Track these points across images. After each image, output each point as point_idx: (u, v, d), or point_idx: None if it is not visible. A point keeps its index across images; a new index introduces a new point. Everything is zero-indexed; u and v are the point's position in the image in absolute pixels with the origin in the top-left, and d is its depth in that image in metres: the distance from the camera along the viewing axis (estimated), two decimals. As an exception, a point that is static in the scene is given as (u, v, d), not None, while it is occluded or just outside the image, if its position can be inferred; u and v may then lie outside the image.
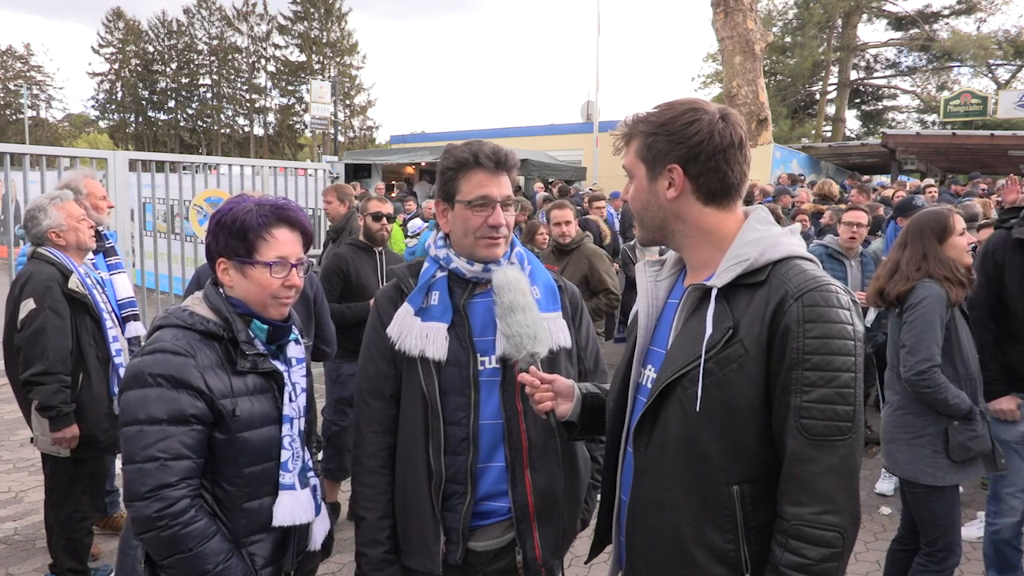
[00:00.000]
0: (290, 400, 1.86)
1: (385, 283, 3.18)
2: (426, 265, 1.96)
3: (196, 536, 1.67)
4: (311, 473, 1.96)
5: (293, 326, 1.96)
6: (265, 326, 1.84)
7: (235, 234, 1.80)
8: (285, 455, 1.83)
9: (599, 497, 1.72)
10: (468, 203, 1.85)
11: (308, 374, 2.01)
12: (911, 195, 7.65)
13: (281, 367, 1.88)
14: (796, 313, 1.31)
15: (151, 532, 1.66)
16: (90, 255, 3.57)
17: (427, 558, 1.88)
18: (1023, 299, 3.32)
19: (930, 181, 12.17)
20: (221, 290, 1.86)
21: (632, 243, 6.51)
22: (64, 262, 3.29)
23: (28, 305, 3.17)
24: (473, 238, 1.87)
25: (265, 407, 1.82)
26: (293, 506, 1.83)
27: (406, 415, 1.92)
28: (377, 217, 4.30)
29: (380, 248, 4.40)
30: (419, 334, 1.86)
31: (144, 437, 1.67)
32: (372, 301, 4.06)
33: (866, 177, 17.25)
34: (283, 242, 1.82)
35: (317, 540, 1.96)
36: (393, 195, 13.19)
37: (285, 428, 1.84)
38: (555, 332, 1.92)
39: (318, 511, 1.95)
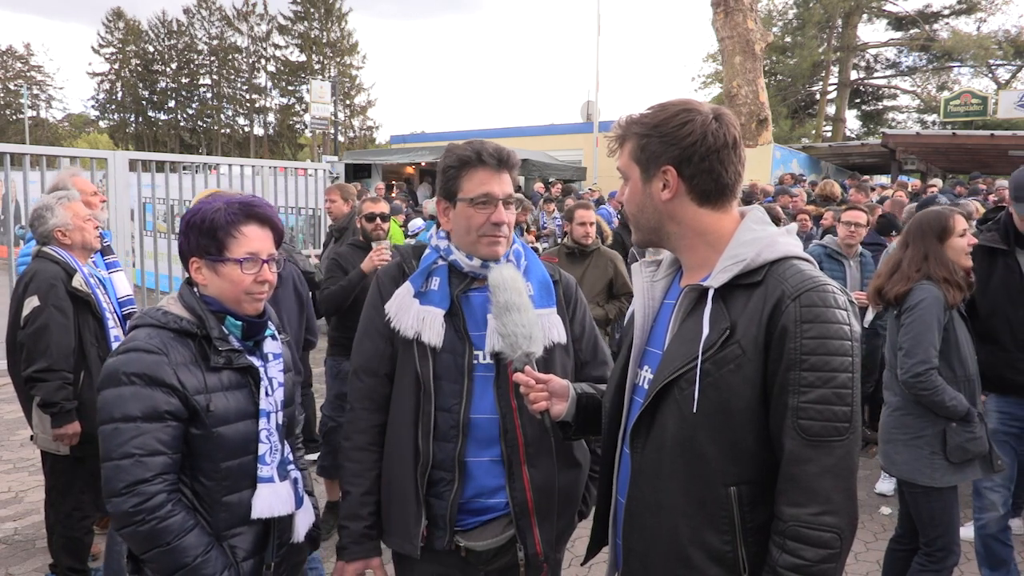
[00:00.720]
0: (267, 395, 1.89)
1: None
2: (428, 251, 1.98)
3: (174, 530, 1.71)
4: (292, 466, 1.99)
5: (269, 322, 1.99)
6: (239, 322, 1.88)
7: (205, 233, 1.83)
8: (263, 448, 1.86)
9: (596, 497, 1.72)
10: (471, 200, 1.86)
11: (289, 370, 2.04)
12: (933, 194, 7.63)
13: (257, 362, 1.91)
14: (793, 313, 1.31)
15: (129, 527, 1.69)
16: (90, 254, 3.59)
17: (406, 539, 1.90)
18: (988, 302, 3.37)
19: (937, 181, 12.14)
20: (195, 289, 1.89)
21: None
22: (69, 261, 3.31)
23: (32, 302, 3.20)
24: (476, 236, 1.88)
25: (241, 402, 1.85)
26: (272, 499, 1.86)
27: (398, 396, 1.93)
28: (370, 218, 4.38)
29: None
30: (416, 316, 1.88)
31: (120, 435, 1.70)
32: (366, 262, 4.11)
33: (866, 177, 17.25)
34: (253, 239, 1.86)
35: (300, 532, 1.99)
36: (393, 195, 13.17)
37: (262, 422, 1.87)
38: (549, 328, 1.93)
39: (300, 504, 1.97)
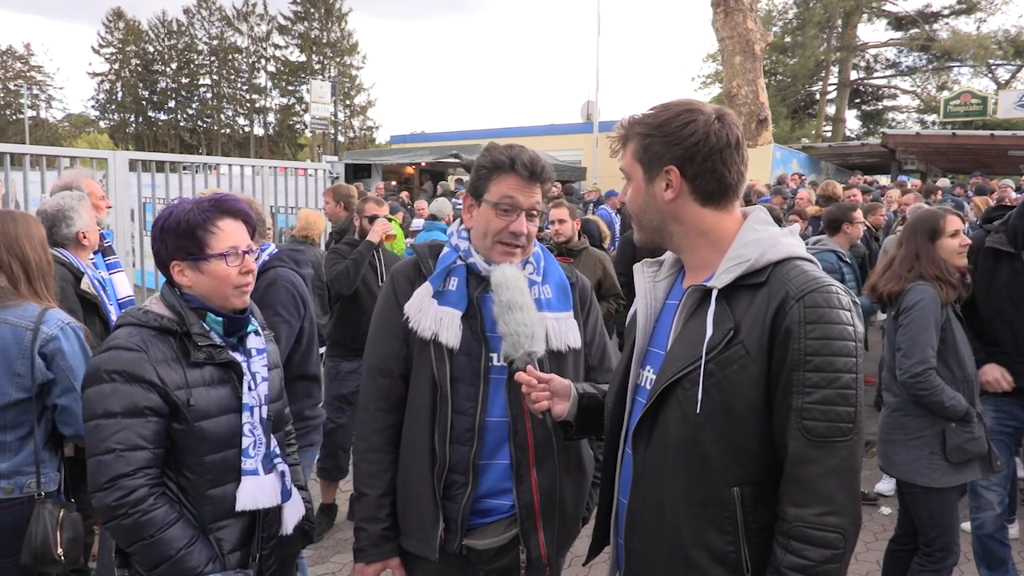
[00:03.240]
0: (249, 389, 1.92)
1: (384, 281, 3.18)
2: (446, 250, 1.96)
3: (157, 523, 1.74)
4: (278, 460, 2.01)
5: (252, 317, 2.01)
6: (220, 319, 1.90)
7: (183, 234, 1.85)
8: (246, 442, 1.89)
9: (598, 498, 1.72)
10: (494, 204, 1.85)
11: (276, 366, 2.07)
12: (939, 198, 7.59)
13: (240, 358, 1.93)
14: (797, 314, 1.31)
15: (113, 521, 1.73)
16: (90, 255, 3.58)
17: (424, 542, 1.89)
18: (990, 304, 3.37)
19: (947, 183, 12.14)
20: (176, 288, 1.91)
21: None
22: (76, 264, 3.30)
23: None
24: (491, 241, 1.87)
25: (224, 397, 1.88)
26: (256, 491, 1.88)
27: (414, 398, 1.92)
28: (372, 220, 4.40)
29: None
30: (434, 317, 1.86)
31: (101, 431, 1.74)
32: (372, 233, 4.14)
33: (868, 178, 17.25)
34: (230, 232, 1.89)
35: (288, 525, 2.00)
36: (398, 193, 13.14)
37: (245, 416, 1.89)
38: (565, 332, 1.92)
39: (287, 496, 1.99)
